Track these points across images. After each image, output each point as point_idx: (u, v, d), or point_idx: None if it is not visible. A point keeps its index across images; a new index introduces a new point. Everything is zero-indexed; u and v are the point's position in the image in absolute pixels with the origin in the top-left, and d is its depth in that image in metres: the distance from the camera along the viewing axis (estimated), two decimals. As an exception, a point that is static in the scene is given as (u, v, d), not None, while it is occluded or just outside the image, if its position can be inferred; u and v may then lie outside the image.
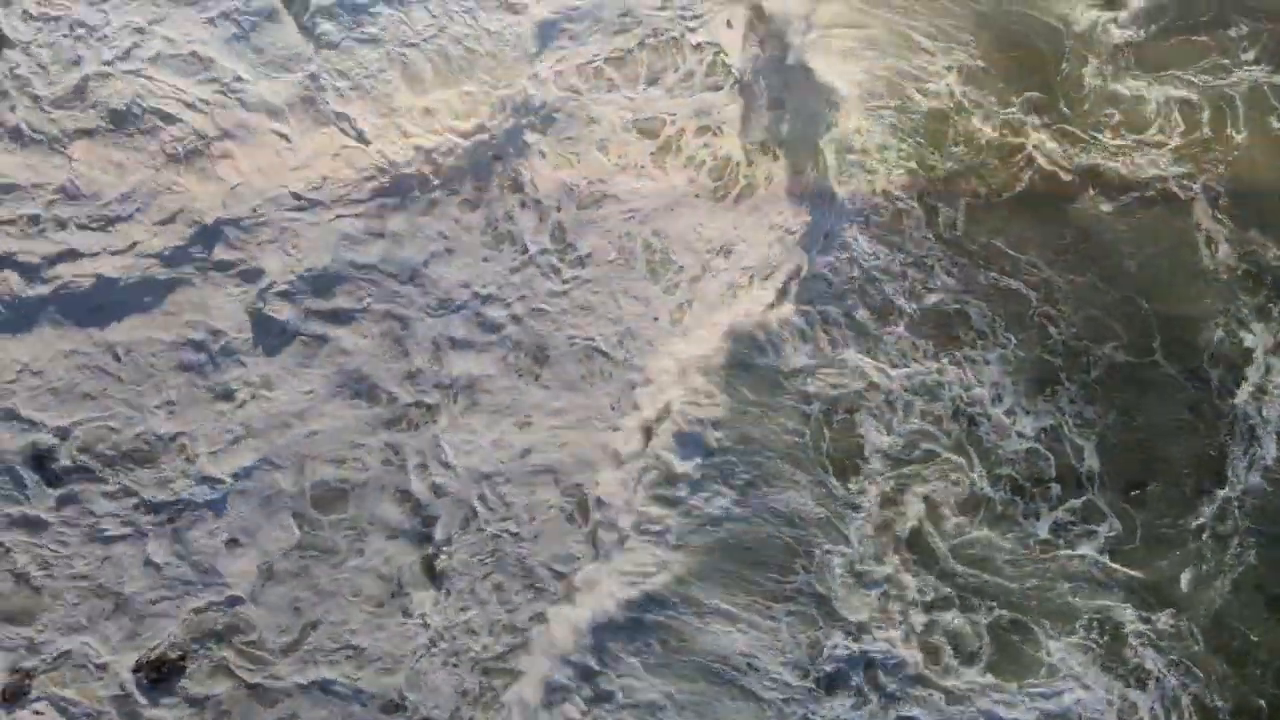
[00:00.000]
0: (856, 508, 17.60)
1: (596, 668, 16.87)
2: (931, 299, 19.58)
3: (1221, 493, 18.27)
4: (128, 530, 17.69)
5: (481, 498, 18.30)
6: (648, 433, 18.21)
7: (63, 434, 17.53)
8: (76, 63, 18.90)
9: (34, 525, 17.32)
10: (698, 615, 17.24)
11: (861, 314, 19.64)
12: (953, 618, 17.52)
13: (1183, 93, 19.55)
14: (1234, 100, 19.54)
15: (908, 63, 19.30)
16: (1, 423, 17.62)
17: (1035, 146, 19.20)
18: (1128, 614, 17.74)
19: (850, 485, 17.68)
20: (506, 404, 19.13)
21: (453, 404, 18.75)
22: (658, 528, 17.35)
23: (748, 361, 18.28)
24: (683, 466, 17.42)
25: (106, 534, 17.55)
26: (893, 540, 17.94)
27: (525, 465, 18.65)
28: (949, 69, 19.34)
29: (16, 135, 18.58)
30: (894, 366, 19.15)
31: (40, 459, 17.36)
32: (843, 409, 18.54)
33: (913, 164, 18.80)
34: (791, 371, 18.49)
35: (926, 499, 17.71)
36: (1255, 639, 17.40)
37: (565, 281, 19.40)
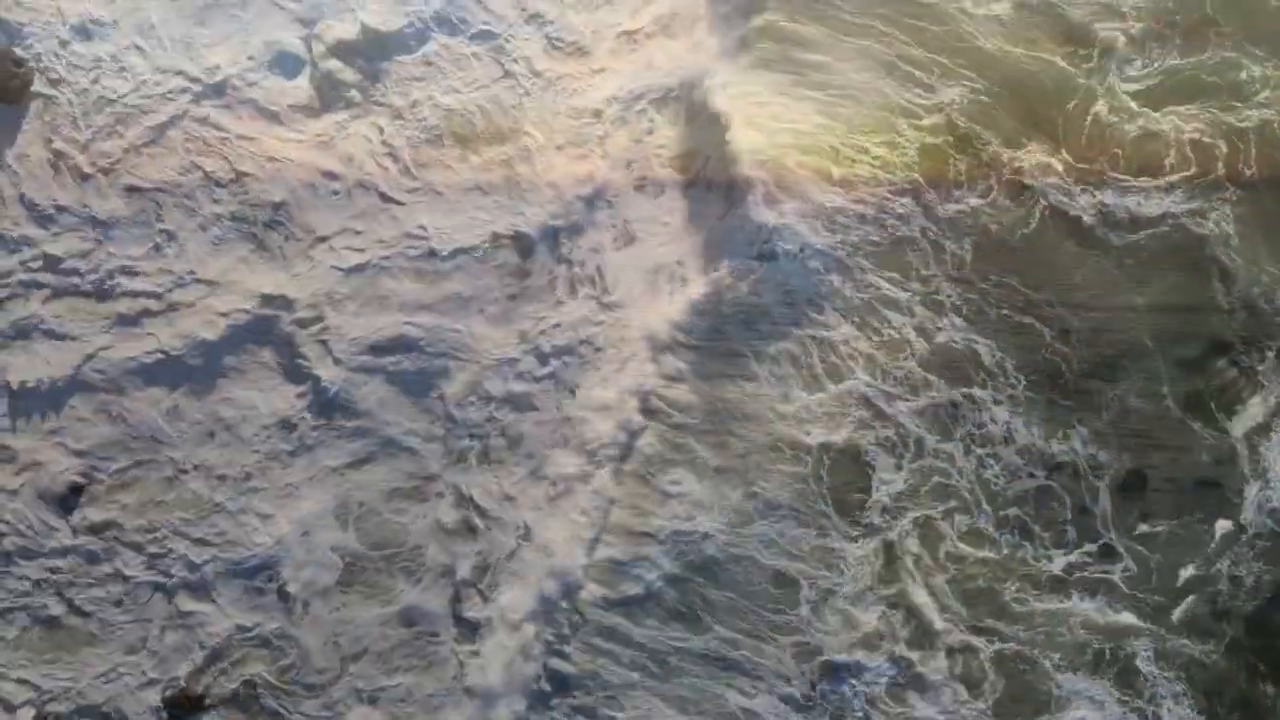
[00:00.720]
0: (857, 540, 17.84)
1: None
2: (941, 336, 19.72)
3: (1233, 532, 18.29)
4: (167, 576, 18.45)
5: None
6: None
7: (97, 476, 18.32)
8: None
9: (64, 562, 18.05)
10: (690, 645, 17.61)
11: (866, 345, 19.71)
12: (958, 650, 17.74)
13: (1193, 129, 19.52)
14: (1247, 136, 19.45)
15: (907, 96, 19.40)
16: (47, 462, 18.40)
17: (1044, 184, 19.25)
18: (1139, 645, 17.83)
19: (852, 518, 17.89)
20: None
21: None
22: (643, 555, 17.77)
23: (747, 389, 18.53)
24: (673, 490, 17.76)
25: (139, 577, 18.31)
26: (894, 575, 18.18)
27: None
28: (952, 103, 19.42)
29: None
30: (904, 400, 19.37)
31: (71, 498, 18.08)
32: (848, 441, 18.71)
33: (910, 199, 18.95)
34: (794, 400, 18.72)
35: (932, 533, 17.89)
36: (1268, 673, 17.46)
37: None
